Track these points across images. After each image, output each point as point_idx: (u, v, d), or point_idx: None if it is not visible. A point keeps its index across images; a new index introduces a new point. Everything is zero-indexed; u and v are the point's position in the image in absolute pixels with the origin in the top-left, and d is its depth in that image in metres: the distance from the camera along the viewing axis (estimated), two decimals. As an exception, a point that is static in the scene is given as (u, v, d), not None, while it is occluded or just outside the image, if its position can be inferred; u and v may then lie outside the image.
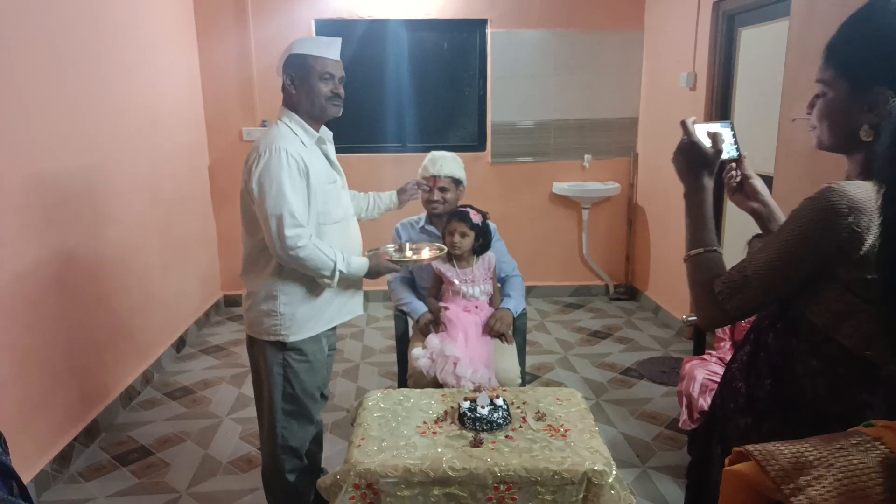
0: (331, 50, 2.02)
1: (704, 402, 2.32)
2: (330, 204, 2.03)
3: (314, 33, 4.39)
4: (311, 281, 2.01)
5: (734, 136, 1.32)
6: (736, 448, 1.03)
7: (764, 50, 3.30)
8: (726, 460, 1.04)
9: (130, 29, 3.27)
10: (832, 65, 1.11)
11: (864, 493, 0.92)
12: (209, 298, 4.47)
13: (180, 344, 3.86)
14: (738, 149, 1.32)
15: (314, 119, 2.03)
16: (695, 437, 2.53)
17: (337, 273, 1.97)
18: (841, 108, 1.09)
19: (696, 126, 1.26)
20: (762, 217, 1.33)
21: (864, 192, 0.99)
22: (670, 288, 4.28)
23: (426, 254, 2.30)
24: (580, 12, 4.48)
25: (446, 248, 2.37)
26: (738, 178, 1.35)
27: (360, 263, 2.06)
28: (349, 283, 2.10)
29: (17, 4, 2.23)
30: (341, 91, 2.06)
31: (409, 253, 2.29)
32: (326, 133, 2.11)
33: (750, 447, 0.99)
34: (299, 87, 1.98)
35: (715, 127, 1.29)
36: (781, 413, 1.14)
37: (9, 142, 2.17)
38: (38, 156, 2.34)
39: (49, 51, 2.45)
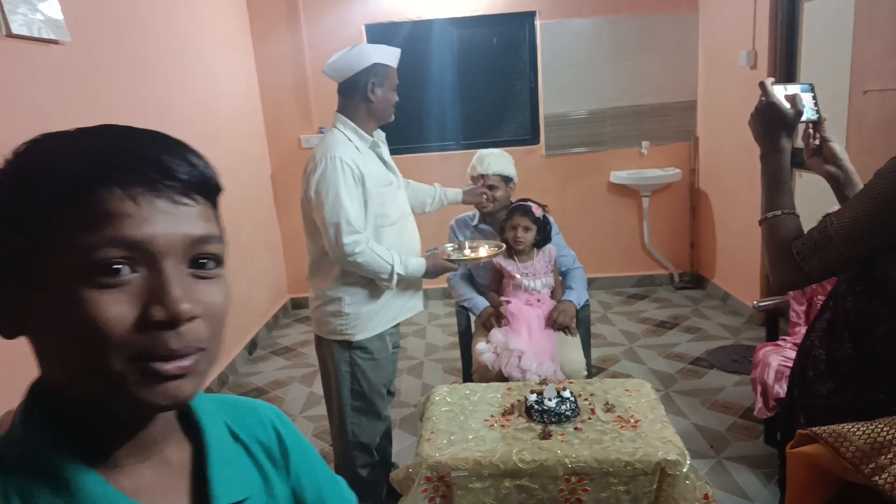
0: (397, 60, 2.13)
1: (780, 389, 2.24)
2: (387, 206, 2.07)
3: (364, 37, 4.46)
4: (373, 282, 2.07)
5: (814, 98, 1.29)
6: (801, 431, 1.02)
7: (829, 23, 3.15)
8: (788, 445, 1.03)
9: (190, 36, 3.39)
10: None
11: None
12: (277, 301, 4.62)
13: (252, 346, 4.01)
14: (818, 111, 1.29)
15: (374, 121, 2.09)
16: (771, 423, 2.46)
17: (395, 276, 2.01)
18: None
19: (775, 87, 1.24)
20: (839, 182, 1.29)
21: None
22: (739, 274, 4.14)
23: (483, 252, 2.32)
24: (631, -3, 4.39)
25: (504, 246, 2.37)
26: (818, 142, 1.32)
27: (417, 264, 2.10)
28: (409, 282, 2.14)
29: (85, 15, 2.35)
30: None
31: (467, 251, 2.32)
32: (380, 135, 2.15)
33: (818, 429, 1.00)
34: (379, 94, 2.06)
35: (794, 88, 1.27)
36: (864, 375, 1.13)
37: None
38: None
39: (116, 61, 2.57)
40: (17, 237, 0.49)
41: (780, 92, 1.25)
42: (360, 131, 2.05)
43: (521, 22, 4.52)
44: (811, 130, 1.32)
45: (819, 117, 1.29)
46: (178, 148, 0.53)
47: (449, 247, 2.34)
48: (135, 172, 0.49)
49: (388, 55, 2.07)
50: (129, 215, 0.48)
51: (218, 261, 0.55)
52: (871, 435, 0.97)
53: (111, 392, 0.50)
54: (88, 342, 0.48)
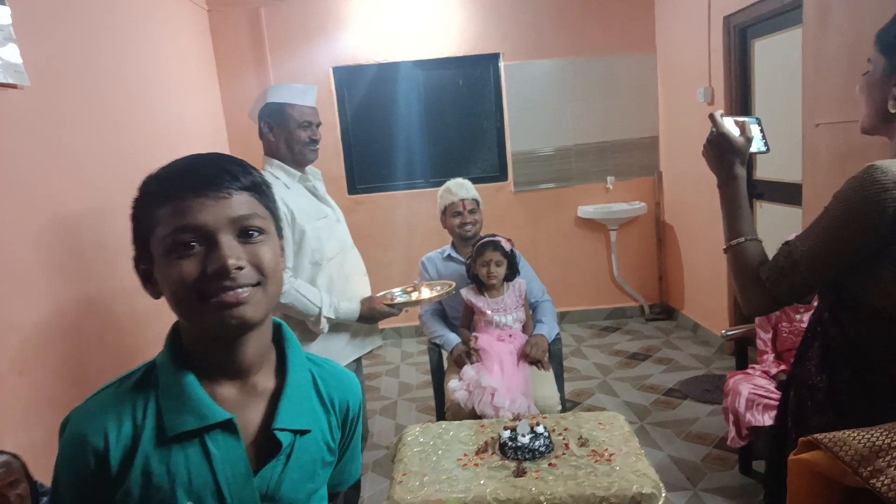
0: (307, 97, 2.06)
1: (752, 418, 2.25)
2: (323, 240, 2.03)
3: (332, 80, 4.51)
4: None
5: (762, 130, 1.34)
6: (803, 439, 1.02)
7: (779, 59, 3.29)
8: (790, 454, 1.03)
9: (156, 78, 3.37)
10: (877, 44, 1.15)
11: None
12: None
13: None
14: (766, 143, 1.34)
15: (291, 161, 2.05)
16: (745, 452, 2.46)
17: (322, 319, 1.95)
18: (877, 81, 1.13)
19: (724, 119, 1.28)
20: None
21: None
22: (707, 304, 4.20)
23: (426, 293, 2.29)
24: (590, 39, 4.53)
25: (453, 285, 2.34)
26: None
27: (350, 309, 2.03)
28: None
29: (46, 59, 2.33)
30: (319, 136, 2.08)
31: (413, 296, 2.28)
32: (313, 171, 2.12)
33: (819, 436, 1.00)
34: (278, 134, 2.02)
35: (741, 119, 1.31)
36: (864, 403, 1.13)
37: (43, 179, 2.22)
38: (63, 198, 2.38)
39: (79, 105, 2.53)
40: (139, 233, 0.80)
41: (729, 122, 1.28)
42: (287, 167, 2.03)
43: (486, 64, 4.62)
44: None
45: (768, 150, 1.34)
46: (220, 163, 0.80)
47: (397, 290, 2.30)
48: (188, 184, 0.76)
49: (285, 93, 2.03)
50: (188, 210, 0.75)
51: (262, 230, 0.80)
52: (871, 440, 0.97)
53: (200, 320, 0.77)
54: (178, 290, 0.76)
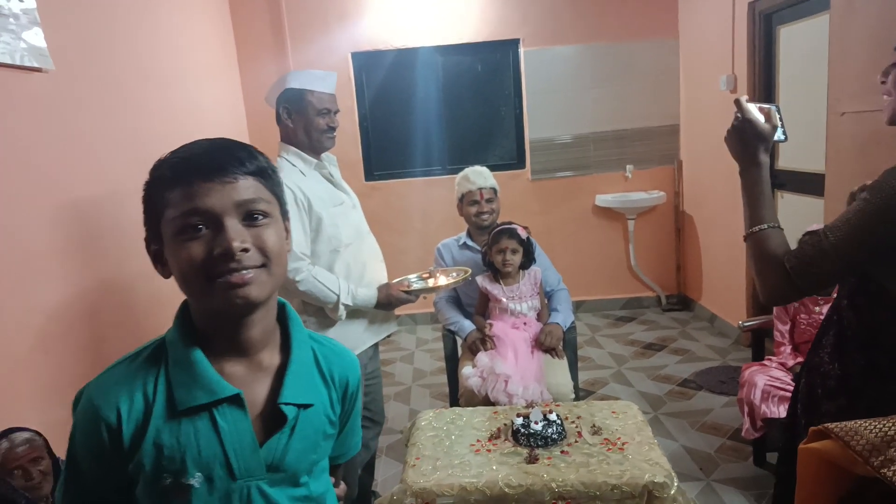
0: (327, 84, 2.05)
1: (767, 410, 2.23)
2: (339, 226, 2.03)
3: (350, 65, 4.51)
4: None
5: (781, 119, 1.32)
6: (813, 428, 1.01)
7: (805, 46, 3.22)
8: (801, 443, 1.03)
9: (176, 64, 3.39)
10: None
11: None
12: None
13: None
14: (784, 132, 1.32)
15: (308, 148, 2.05)
16: (760, 443, 2.45)
17: (341, 306, 1.96)
18: None
19: (749, 104, 1.27)
20: None
21: None
22: (725, 295, 4.16)
23: (443, 280, 2.29)
24: (612, 25, 4.48)
25: (469, 271, 2.34)
26: None
27: (367, 296, 2.04)
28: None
29: (69, 43, 2.36)
30: (336, 123, 2.07)
31: (430, 282, 2.28)
32: (329, 158, 2.12)
33: (830, 425, 1.00)
34: (296, 120, 2.01)
35: (766, 106, 1.30)
36: (877, 388, 1.13)
37: (61, 160, 2.25)
38: (81, 182, 2.41)
39: (100, 89, 2.56)
40: (150, 215, 0.83)
41: (754, 109, 1.27)
42: (303, 154, 2.02)
43: (506, 49, 4.59)
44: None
45: (786, 138, 1.32)
46: (228, 148, 0.83)
47: (413, 276, 2.29)
48: (197, 169, 0.80)
49: (305, 79, 2.02)
50: (195, 194, 0.78)
51: (266, 214, 0.83)
52: (883, 429, 0.97)
53: (208, 299, 0.80)
54: (186, 270, 0.79)
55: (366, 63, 4.57)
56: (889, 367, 1.12)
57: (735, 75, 3.72)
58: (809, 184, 3.16)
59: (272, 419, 0.85)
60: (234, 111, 4.37)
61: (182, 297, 0.87)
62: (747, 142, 1.25)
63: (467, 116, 4.72)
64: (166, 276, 0.84)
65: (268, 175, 0.85)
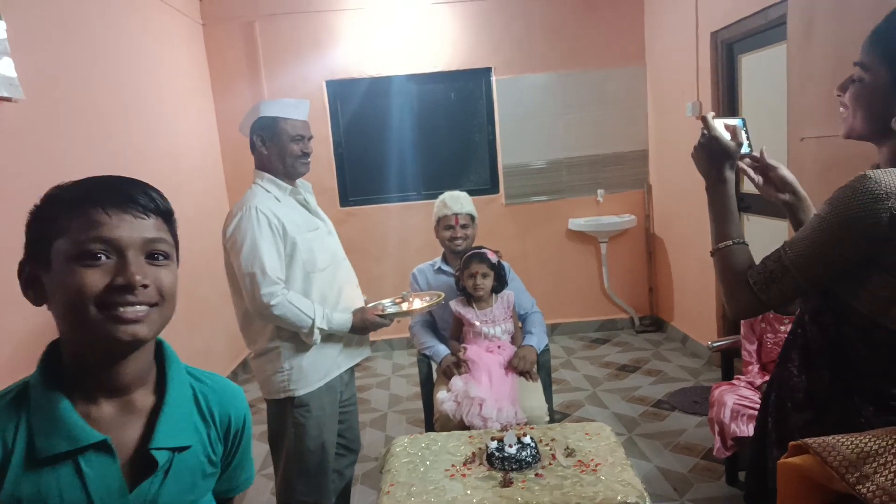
0: (299, 111, 2.08)
1: (736, 428, 2.27)
2: (315, 251, 2.04)
3: (325, 93, 4.55)
4: None
5: (747, 131, 1.35)
6: (793, 443, 1.04)
7: (765, 74, 3.35)
8: (782, 457, 1.05)
9: (150, 92, 3.41)
10: (875, 50, 1.11)
11: None
12: (236, 357, 4.52)
13: (210, 403, 3.89)
14: (750, 145, 1.35)
15: (283, 175, 2.07)
16: (732, 462, 2.48)
17: (316, 330, 1.96)
18: (877, 94, 1.10)
19: (716, 121, 1.29)
20: (793, 208, 1.35)
21: None
22: (696, 316, 4.24)
23: (417, 304, 2.31)
24: (581, 53, 4.60)
25: (443, 295, 2.36)
26: (760, 177, 1.38)
27: (342, 320, 2.04)
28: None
29: (41, 72, 2.35)
30: (310, 149, 2.10)
31: (404, 306, 2.29)
32: (303, 184, 2.14)
33: (808, 440, 1.02)
34: (270, 147, 2.04)
35: (732, 122, 1.32)
36: (843, 402, 1.14)
37: (35, 197, 2.24)
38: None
39: (73, 118, 2.56)
40: (41, 237, 0.81)
41: (719, 125, 1.29)
42: (277, 181, 2.05)
43: (478, 78, 4.68)
44: (751, 164, 1.38)
45: (751, 151, 1.35)
46: (141, 186, 0.85)
47: (387, 301, 2.30)
48: (110, 199, 0.80)
49: (278, 108, 2.05)
50: (105, 223, 0.79)
51: (167, 255, 0.85)
52: (859, 445, 0.99)
53: (90, 330, 0.78)
54: (76, 298, 0.77)
55: (340, 91, 4.62)
56: (856, 382, 1.13)
57: (700, 102, 3.84)
58: (774, 206, 3.22)
59: (144, 463, 0.83)
60: (209, 138, 4.37)
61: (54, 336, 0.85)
62: (713, 158, 1.28)
63: (441, 143, 4.78)
64: (37, 304, 0.82)
65: (172, 219, 0.88)
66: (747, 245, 1.25)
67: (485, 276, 2.54)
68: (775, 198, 1.37)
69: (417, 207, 4.64)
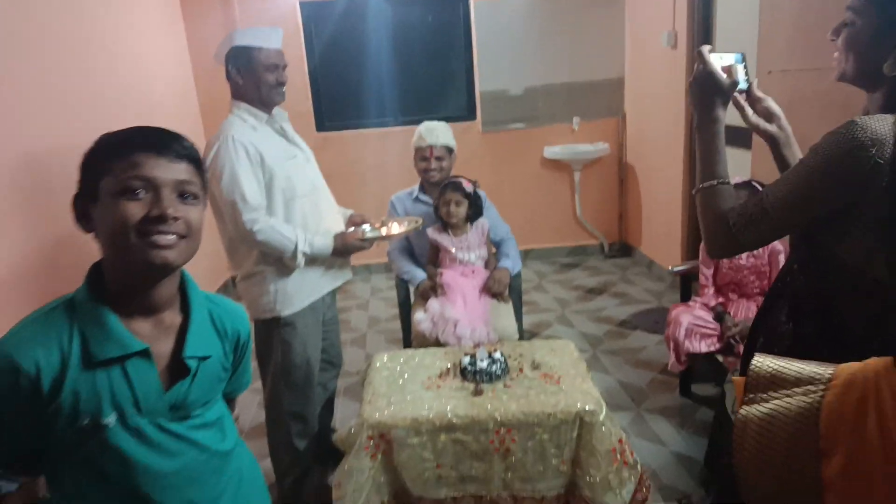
0: (272, 40, 2.09)
1: (690, 345, 2.47)
2: (293, 179, 2.10)
3: (298, 15, 4.45)
4: None
5: (745, 67, 1.33)
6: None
7: (740, 6, 3.38)
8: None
9: (117, 19, 3.31)
10: None
11: (772, 437, 1.03)
12: (217, 280, 4.62)
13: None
14: (748, 79, 1.33)
15: (260, 104, 2.10)
16: (685, 376, 2.70)
17: (299, 254, 2.04)
18: (868, 39, 1.09)
19: (712, 55, 1.26)
20: (779, 143, 1.34)
21: (886, 126, 1.02)
22: (662, 242, 4.42)
23: (396, 228, 2.40)
24: (561, -24, 4.53)
25: (421, 221, 2.45)
26: (747, 104, 1.35)
27: (323, 244, 2.12)
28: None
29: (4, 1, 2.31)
30: (285, 78, 2.13)
31: (383, 231, 2.38)
32: (280, 113, 2.18)
33: (762, 356, 1.05)
34: (245, 77, 2.06)
35: (729, 58, 1.30)
36: (829, 351, 1.14)
37: (6, 118, 2.24)
38: (33, 136, 2.41)
39: (39, 48, 2.53)
40: (91, 176, 0.96)
41: (716, 61, 1.26)
42: (254, 110, 2.09)
43: (456, 1, 4.60)
44: (742, 96, 1.36)
45: (749, 84, 1.32)
46: (175, 136, 1.00)
47: (366, 226, 2.39)
48: (149, 145, 0.96)
49: (251, 37, 2.06)
50: (144, 164, 0.94)
51: (196, 196, 1.00)
52: (781, 370, 1.01)
53: (131, 255, 0.93)
54: (119, 226, 0.92)
55: (315, 13, 4.52)
56: (840, 332, 1.14)
57: (676, 31, 3.87)
58: (738, 137, 3.37)
59: (176, 370, 1.01)
60: (181, 67, 4.29)
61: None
62: (706, 95, 1.25)
63: (419, 68, 4.75)
64: (87, 231, 0.98)
65: (202, 166, 1.03)
66: (731, 185, 1.24)
67: (458, 203, 2.63)
68: (762, 130, 1.35)
69: (395, 134, 4.66)
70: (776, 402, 1.04)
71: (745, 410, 1.07)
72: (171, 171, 0.96)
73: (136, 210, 0.92)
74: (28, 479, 1.64)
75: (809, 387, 1.02)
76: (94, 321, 0.95)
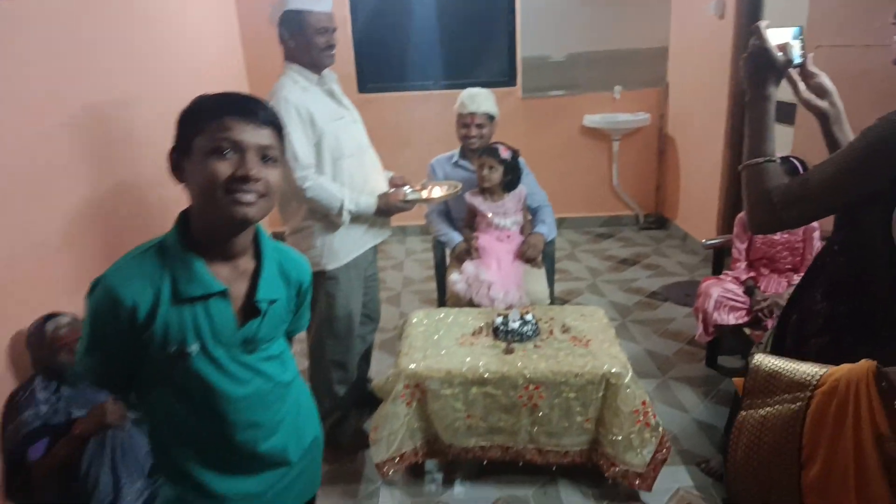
0: (323, 3, 2.16)
1: (718, 317, 2.52)
2: (341, 139, 2.20)
3: (346, -26, 4.47)
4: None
5: (802, 42, 1.30)
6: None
7: (793, -25, 3.30)
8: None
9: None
10: None
11: (760, 443, 1.08)
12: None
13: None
14: (803, 54, 1.30)
15: (310, 66, 2.18)
16: (711, 348, 2.75)
17: (345, 211, 2.15)
18: None
19: (769, 31, 1.25)
20: (829, 119, 1.33)
21: None
22: (698, 216, 4.41)
23: (437, 192, 2.48)
24: (610, -59, 4.45)
25: (460, 186, 2.53)
26: (800, 79, 1.33)
27: (368, 203, 2.24)
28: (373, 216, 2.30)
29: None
30: (335, 41, 2.21)
31: (423, 194, 2.47)
32: (329, 75, 2.26)
33: (762, 355, 1.11)
34: (297, 39, 2.14)
35: (786, 34, 1.27)
36: (860, 330, 1.18)
37: (70, 70, 2.37)
38: (96, 88, 2.52)
39: (84, 8, 2.62)
40: (185, 133, 1.06)
41: (772, 37, 1.24)
42: (305, 71, 2.17)
43: (501, -37, 4.56)
44: (795, 70, 1.33)
45: (804, 59, 1.30)
46: (261, 104, 1.10)
47: (407, 188, 2.47)
48: (239, 111, 1.06)
49: (302, 1, 2.12)
50: (233, 128, 1.04)
51: (275, 160, 1.10)
52: (776, 372, 1.05)
53: (217, 208, 1.04)
54: (208, 182, 1.03)
55: (361, -27, 4.54)
56: (875, 313, 1.15)
57: (724, 0, 3.80)
58: (782, 113, 3.32)
59: (249, 310, 1.14)
60: (228, 22, 4.37)
61: (183, 204, 1.12)
62: (759, 71, 1.24)
63: (461, 32, 4.74)
64: (179, 182, 1.10)
65: (283, 133, 1.14)
66: (778, 163, 1.24)
67: (492, 168, 2.69)
68: (813, 106, 1.33)
69: (435, 97, 4.70)
70: (768, 409, 1.10)
71: (743, 414, 1.12)
72: (256, 135, 1.06)
73: (224, 169, 1.03)
74: (96, 407, 1.81)
75: (798, 393, 1.07)
76: (182, 264, 1.08)
